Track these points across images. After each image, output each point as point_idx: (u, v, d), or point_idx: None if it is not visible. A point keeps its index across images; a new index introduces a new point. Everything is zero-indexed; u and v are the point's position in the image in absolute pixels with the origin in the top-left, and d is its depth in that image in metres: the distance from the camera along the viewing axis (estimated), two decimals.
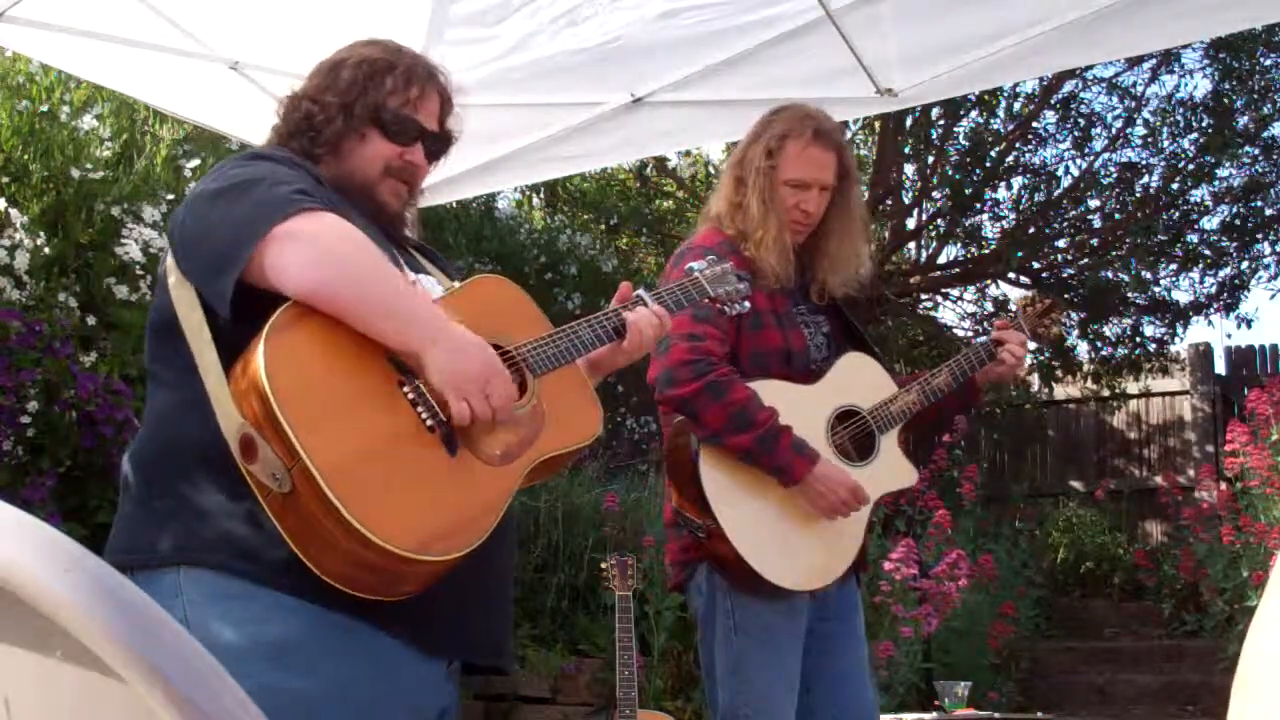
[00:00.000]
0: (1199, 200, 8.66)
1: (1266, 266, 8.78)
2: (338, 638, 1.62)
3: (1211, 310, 8.85)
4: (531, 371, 1.84)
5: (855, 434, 2.76)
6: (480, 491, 1.71)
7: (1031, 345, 3.16)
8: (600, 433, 1.98)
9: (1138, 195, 8.69)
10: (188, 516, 1.65)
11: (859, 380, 2.78)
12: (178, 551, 1.64)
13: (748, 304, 2.31)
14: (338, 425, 1.58)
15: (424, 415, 1.66)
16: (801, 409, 2.68)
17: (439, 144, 1.99)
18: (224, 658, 1.65)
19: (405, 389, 1.66)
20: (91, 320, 4.16)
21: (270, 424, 1.53)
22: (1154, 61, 8.27)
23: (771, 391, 2.66)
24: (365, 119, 1.89)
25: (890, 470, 2.76)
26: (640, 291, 2.10)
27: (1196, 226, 8.69)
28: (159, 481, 1.70)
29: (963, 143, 8.87)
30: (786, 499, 2.65)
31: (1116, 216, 8.75)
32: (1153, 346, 8.91)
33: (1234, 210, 8.58)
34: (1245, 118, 8.28)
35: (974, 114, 8.71)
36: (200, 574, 1.63)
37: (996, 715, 4.93)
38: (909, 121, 8.52)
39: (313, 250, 1.60)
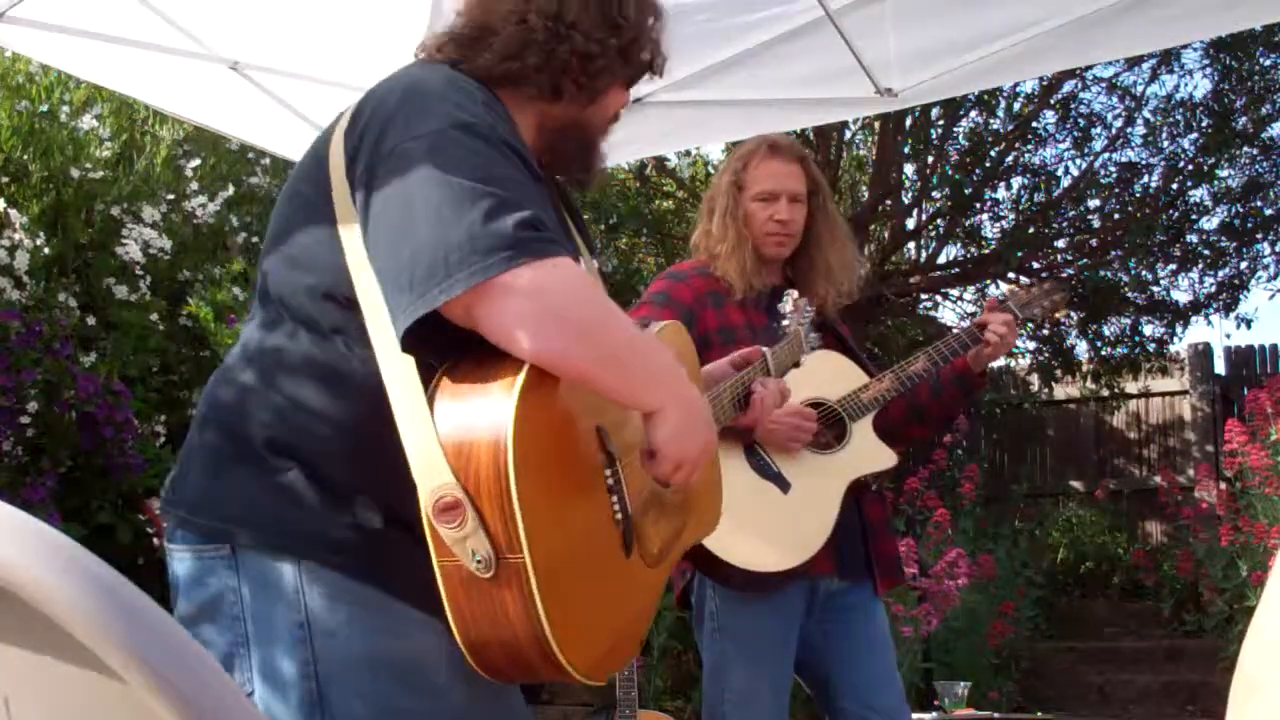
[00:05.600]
0: (1199, 200, 8.65)
1: (1266, 266, 8.78)
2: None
3: (1211, 310, 8.84)
4: None
5: (826, 423, 2.82)
6: (640, 597, 1.61)
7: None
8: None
9: (1138, 195, 8.68)
10: (319, 503, 1.45)
11: (826, 374, 2.84)
12: (299, 542, 1.45)
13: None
14: (555, 513, 1.40)
15: (615, 507, 1.52)
16: None
17: None
18: (348, 666, 1.45)
19: (607, 472, 1.52)
20: (91, 320, 4.16)
21: (497, 501, 1.32)
22: (1154, 61, 8.26)
23: None
24: (635, 67, 1.74)
25: (866, 454, 2.80)
26: (765, 350, 2.24)
27: (1196, 226, 8.68)
28: (280, 446, 1.47)
29: (963, 143, 8.86)
30: (739, 483, 2.66)
31: (1116, 216, 8.74)
32: (1152, 346, 8.90)
33: (1234, 210, 8.57)
34: (1245, 118, 8.27)
35: (974, 114, 8.70)
36: (324, 573, 1.44)
37: (996, 715, 4.93)
38: (909, 121, 8.51)
39: (538, 308, 1.36)
